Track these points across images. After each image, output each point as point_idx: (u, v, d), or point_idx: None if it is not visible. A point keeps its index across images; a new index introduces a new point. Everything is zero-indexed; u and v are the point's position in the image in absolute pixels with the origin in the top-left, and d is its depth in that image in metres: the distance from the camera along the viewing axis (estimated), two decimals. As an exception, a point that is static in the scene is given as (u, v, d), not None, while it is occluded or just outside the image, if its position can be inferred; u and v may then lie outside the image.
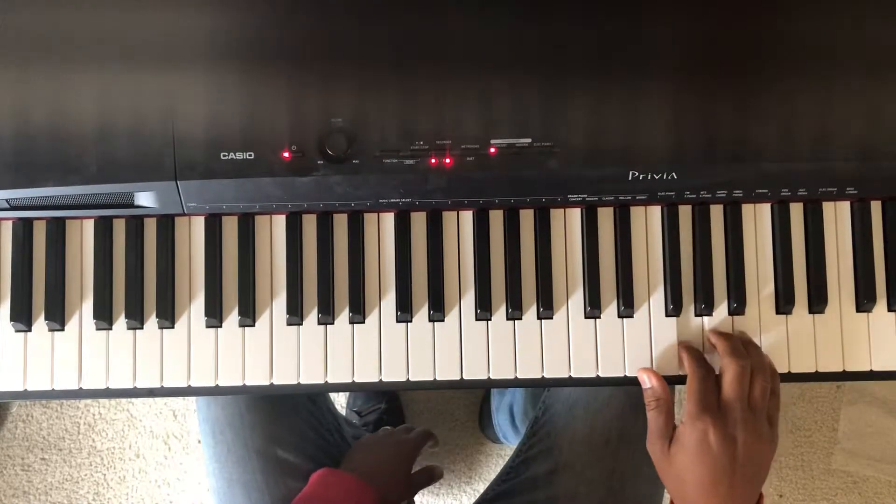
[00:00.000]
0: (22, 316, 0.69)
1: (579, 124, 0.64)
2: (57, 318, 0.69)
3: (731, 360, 0.64)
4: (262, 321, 0.70)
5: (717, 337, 0.68)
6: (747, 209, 0.70)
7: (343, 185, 0.65)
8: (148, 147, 0.63)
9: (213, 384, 0.69)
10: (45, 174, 0.63)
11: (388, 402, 1.32)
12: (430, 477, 0.87)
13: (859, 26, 0.65)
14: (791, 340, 0.70)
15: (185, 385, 0.69)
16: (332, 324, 0.70)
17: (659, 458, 0.66)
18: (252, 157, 0.63)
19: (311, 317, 0.70)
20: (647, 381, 0.68)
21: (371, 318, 0.70)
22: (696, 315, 0.70)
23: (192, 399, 1.34)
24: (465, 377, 0.70)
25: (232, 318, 0.70)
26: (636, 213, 0.70)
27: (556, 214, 0.70)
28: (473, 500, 0.87)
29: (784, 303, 0.70)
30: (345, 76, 0.64)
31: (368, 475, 0.77)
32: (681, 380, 0.69)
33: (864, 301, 0.70)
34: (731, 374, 0.64)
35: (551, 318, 0.70)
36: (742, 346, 0.67)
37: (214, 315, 0.69)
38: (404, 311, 0.69)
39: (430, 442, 0.90)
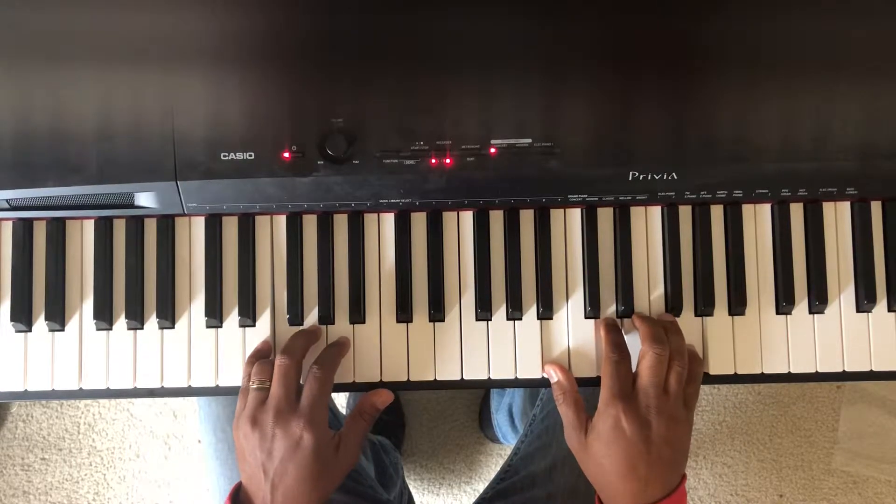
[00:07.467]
0: (22, 316, 0.69)
1: (579, 124, 0.64)
2: (57, 318, 0.69)
3: (650, 347, 0.64)
4: (263, 321, 0.70)
5: (640, 321, 0.67)
6: (747, 209, 0.70)
7: (343, 185, 0.65)
8: (148, 147, 0.63)
9: (213, 384, 0.69)
10: (45, 174, 0.63)
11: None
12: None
13: (859, 26, 0.65)
14: (791, 340, 0.70)
15: (185, 385, 0.69)
16: (333, 324, 0.70)
17: (577, 449, 0.66)
18: (252, 157, 0.63)
19: (312, 317, 0.70)
20: (555, 375, 0.68)
21: (371, 318, 0.70)
22: (697, 315, 0.70)
23: (193, 399, 1.34)
24: (465, 377, 0.70)
25: (232, 318, 0.70)
26: (636, 213, 0.70)
27: (556, 215, 0.70)
28: (473, 499, 0.87)
29: (784, 303, 0.70)
30: (345, 76, 0.64)
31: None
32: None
33: (864, 301, 0.70)
34: (647, 362, 0.64)
35: (551, 319, 0.70)
36: (663, 333, 0.66)
37: (215, 315, 0.69)
38: (404, 311, 0.69)
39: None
